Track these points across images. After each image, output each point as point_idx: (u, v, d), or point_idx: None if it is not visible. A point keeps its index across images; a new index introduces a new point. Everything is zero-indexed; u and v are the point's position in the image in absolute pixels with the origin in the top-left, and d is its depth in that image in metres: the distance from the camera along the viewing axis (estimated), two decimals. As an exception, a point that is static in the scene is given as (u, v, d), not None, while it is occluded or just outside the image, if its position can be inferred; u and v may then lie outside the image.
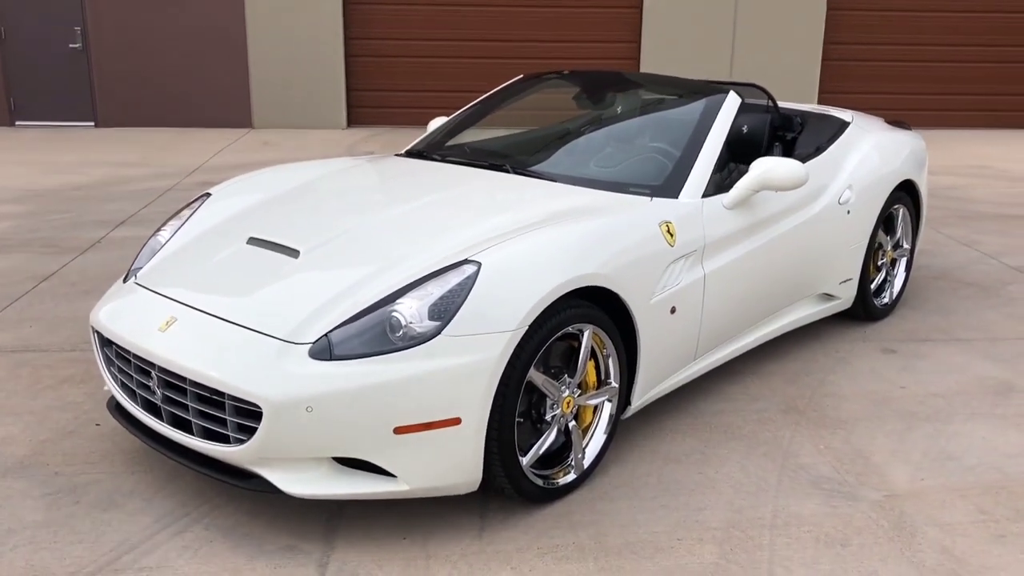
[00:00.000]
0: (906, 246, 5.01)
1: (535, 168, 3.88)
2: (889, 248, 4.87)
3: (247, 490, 2.86)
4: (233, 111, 11.22)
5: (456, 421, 2.70)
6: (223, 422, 2.77)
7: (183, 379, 2.82)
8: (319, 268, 3.05)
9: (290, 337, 2.75)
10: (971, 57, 11.82)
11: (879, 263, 4.82)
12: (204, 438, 2.83)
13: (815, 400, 3.91)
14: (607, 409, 3.22)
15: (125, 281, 3.40)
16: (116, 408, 3.22)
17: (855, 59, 11.70)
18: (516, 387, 2.81)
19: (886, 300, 4.89)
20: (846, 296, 4.55)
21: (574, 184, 3.66)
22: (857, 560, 2.80)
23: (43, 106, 11.18)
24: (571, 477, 3.10)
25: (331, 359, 2.68)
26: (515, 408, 2.82)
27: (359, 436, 2.67)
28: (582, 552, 2.82)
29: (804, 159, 4.21)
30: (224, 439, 2.78)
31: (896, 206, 4.79)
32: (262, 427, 2.64)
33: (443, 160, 4.13)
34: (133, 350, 2.96)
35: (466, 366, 2.69)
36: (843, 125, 4.71)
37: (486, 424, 2.75)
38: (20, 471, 3.24)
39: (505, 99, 4.66)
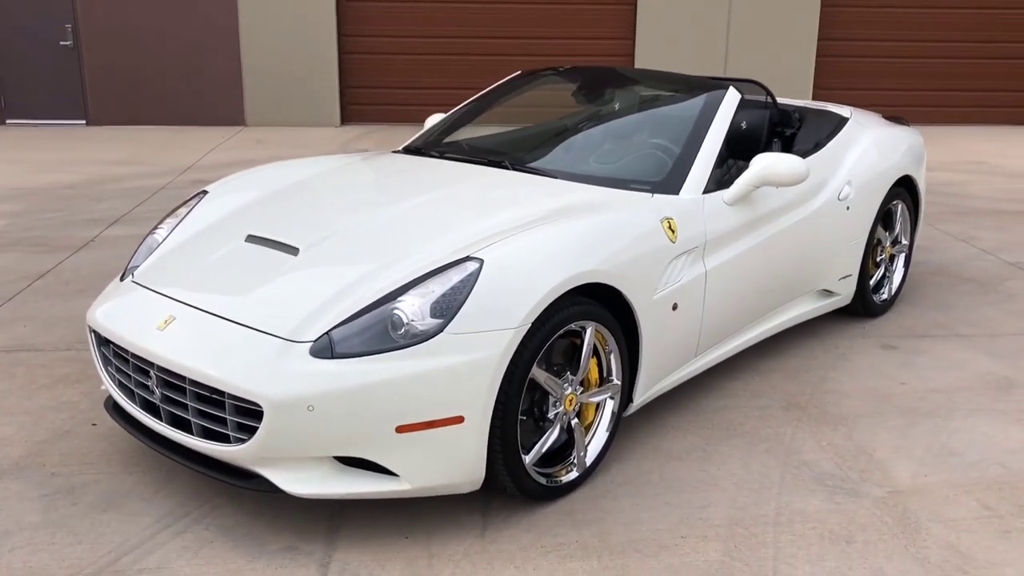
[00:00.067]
0: (905, 242, 5.00)
1: (535, 165, 3.85)
2: (888, 244, 4.86)
3: (248, 490, 2.83)
4: (226, 109, 11.17)
5: (459, 419, 2.68)
6: (223, 421, 2.74)
7: (182, 378, 2.79)
8: (319, 266, 3.03)
9: (291, 335, 2.73)
10: (966, 53, 11.84)
11: (878, 259, 4.81)
12: (204, 438, 2.80)
13: (816, 396, 3.90)
14: (609, 406, 3.20)
15: (122, 280, 3.37)
16: (114, 408, 3.18)
17: (849, 55, 11.70)
18: (519, 385, 2.78)
19: (885, 296, 4.89)
20: (845, 292, 4.54)
21: (574, 180, 3.64)
22: (862, 557, 2.79)
23: (34, 104, 11.11)
24: (573, 475, 3.08)
25: (332, 357, 2.65)
26: (518, 406, 2.80)
27: (361, 435, 2.64)
28: (586, 550, 2.80)
29: (803, 155, 4.20)
30: (224, 438, 2.75)
31: (895, 202, 4.78)
32: (263, 426, 2.62)
33: (441, 157, 4.10)
34: (131, 349, 2.93)
35: (469, 364, 2.66)
36: (842, 121, 4.70)
37: (489, 422, 2.73)
38: (16, 472, 3.20)
39: (503, 96, 4.64)
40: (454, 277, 2.77)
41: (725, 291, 3.60)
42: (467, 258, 2.82)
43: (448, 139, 4.41)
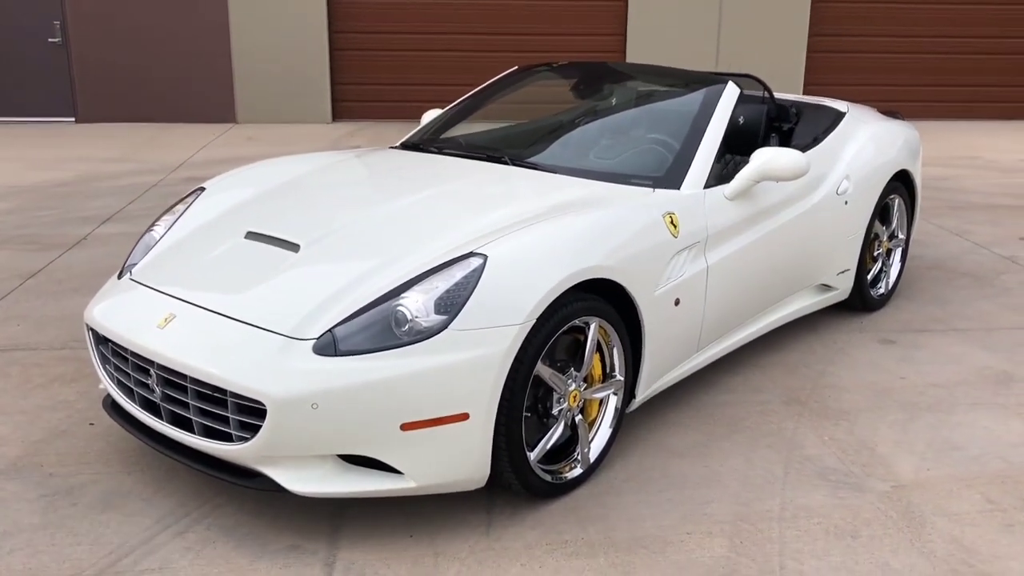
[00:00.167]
0: (901, 236, 5.00)
1: (535, 160, 3.84)
2: (885, 238, 4.86)
3: (250, 489, 2.80)
4: (216, 106, 11.10)
5: (464, 417, 2.66)
6: (225, 420, 2.71)
7: (184, 377, 2.76)
8: (320, 262, 3.00)
9: (293, 333, 2.70)
10: (959, 48, 11.86)
11: (875, 253, 4.81)
12: (206, 436, 2.77)
13: (816, 391, 3.90)
14: (612, 402, 3.19)
15: (120, 277, 3.33)
16: (112, 407, 3.15)
17: (840, 51, 11.71)
18: (524, 381, 2.77)
19: (882, 291, 4.89)
20: (843, 287, 4.53)
21: (574, 176, 3.62)
22: (868, 551, 2.78)
23: (22, 101, 11.01)
24: (577, 472, 3.07)
25: (336, 355, 2.63)
26: (523, 403, 2.78)
27: (365, 433, 2.62)
28: (591, 547, 2.78)
29: (801, 150, 4.19)
30: (226, 437, 2.73)
31: (892, 196, 4.79)
32: (266, 425, 2.59)
33: (440, 152, 4.08)
34: (131, 348, 2.90)
35: (474, 361, 2.65)
36: (839, 115, 4.70)
37: (494, 419, 2.71)
38: (13, 473, 3.17)
39: (500, 91, 4.61)
40: (458, 273, 2.75)
41: (726, 286, 3.59)
42: (471, 254, 2.80)
43: (446, 135, 4.39)
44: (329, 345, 2.65)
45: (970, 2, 11.73)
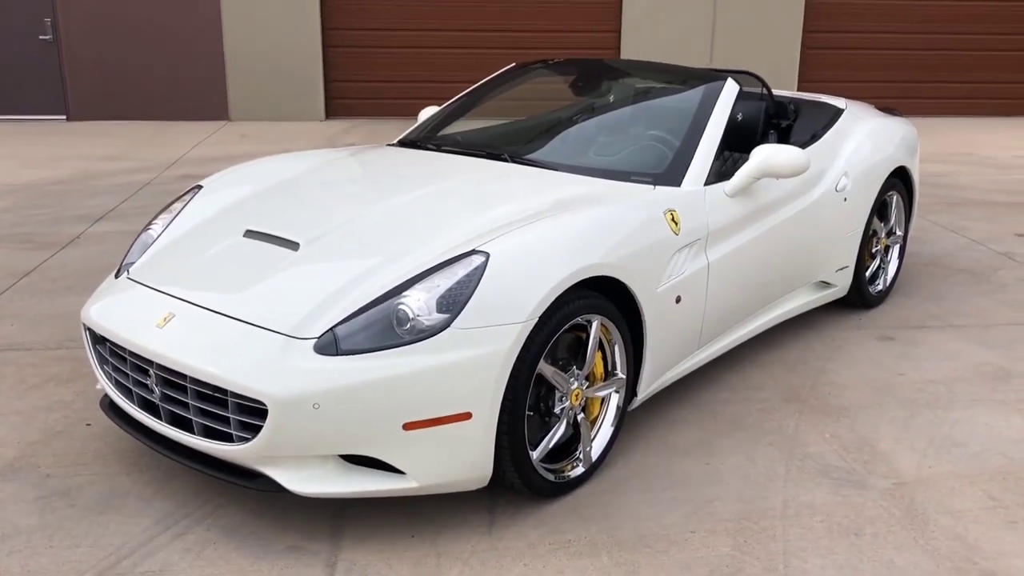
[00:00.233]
0: (899, 233, 5.00)
1: (534, 157, 3.82)
2: (883, 235, 4.86)
3: (251, 489, 2.78)
4: (209, 103, 11.04)
5: (467, 416, 2.64)
6: (226, 420, 2.69)
7: (183, 377, 2.73)
8: (320, 261, 2.98)
9: (294, 332, 2.68)
10: (954, 45, 11.87)
11: (873, 250, 4.81)
12: (206, 437, 2.75)
13: (816, 388, 3.89)
14: (614, 401, 3.17)
15: (117, 276, 3.30)
16: (110, 407, 3.12)
17: (834, 47, 11.71)
18: (526, 380, 2.75)
19: (880, 287, 4.89)
20: (842, 284, 4.53)
21: (574, 173, 3.60)
22: (872, 549, 2.77)
23: (13, 99, 10.93)
24: (579, 470, 3.05)
25: (337, 354, 2.61)
26: (526, 401, 2.77)
27: (367, 433, 2.60)
28: (595, 547, 2.77)
29: (801, 146, 4.17)
30: (227, 437, 2.70)
31: (890, 193, 4.78)
32: (267, 425, 2.57)
33: (439, 150, 4.05)
34: (130, 347, 2.87)
35: (476, 359, 2.63)
36: (837, 112, 4.69)
37: (497, 418, 2.69)
38: (10, 474, 3.14)
39: (497, 88, 4.59)
40: (460, 271, 2.73)
41: (727, 283, 3.58)
42: (472, 252, 2.78)
43: (443, 132, 4.36)
44: (330, 344, 2.63)
45: (964, -1, 11.76)
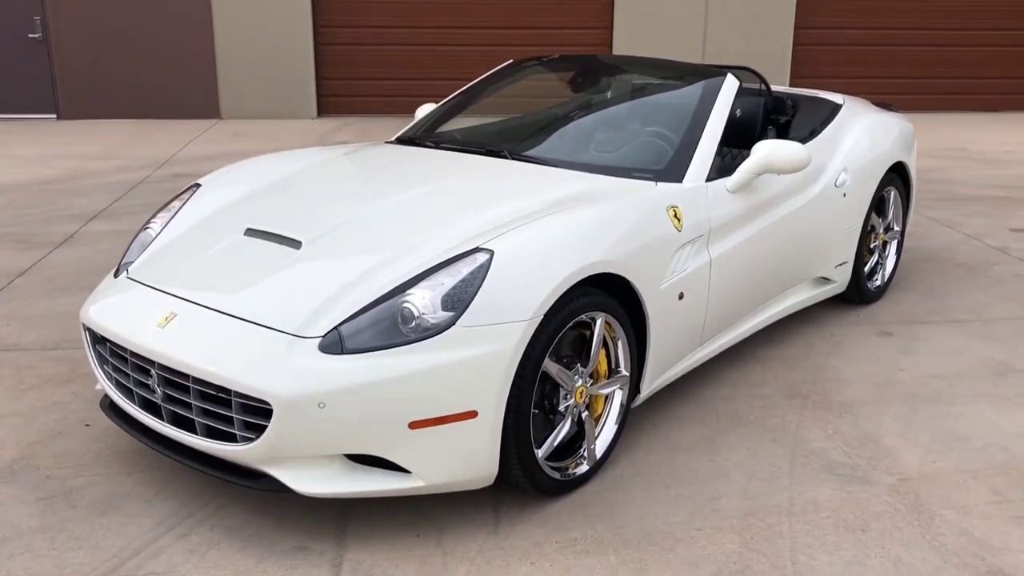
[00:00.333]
0: (897, 228, 5.00)
1: (534, 154, 3.80)
2: (881, 230, 4.86)
3: (255, 490, 2.76)
4: (200, 101, 10.99)
5: (472, 414, 2.63)
6: (229, 420, 2.67)
7: (186, 377, 2.71)
8: (323, 259, 2.95)
9: (298, 331, 2.66)
10: (945, 40, 11.90)
11: (871, 246, 4.81)
12: (209, 437, 2.73)
13: (818, 384, 3.89)
14: (618, 398, 3.16)
15: (116, 276, 3.27)
16: (110, 407, 3.10)
17: (827, 43, 11.73)
18: (532, 378, 2.73)
19: (878, 283, 4.89)
20: (841, 279, 4.53)
21: (575, 169, 3.58)
22: (879, 545, 2.77)
23: (2, 98, 10.85)
24: (584, 468, 3.04)
25: (342, 353, 2.59)
26: (531, 399, 2.75)
27: (373, 432, 2.58)
28: (601, 545, 2.76)
29: (800, 142, 4.17)
30: (230, 438, 2.68)
31: (888, 188, 4.78)
32: (272, 425, 2.55)
33: (438, 147, 4.03)
34: (131, 347, 2.84)
35: (482, 357, 2.61)
36: (835, 108, 4.69)
37: (503, 416, 2.67)
38: (10, 476, 3.11)
39: (495, 85, 4.57)
40: (464, 269, 2.71)
41: (729, 280, 3.57)
42: (476, 249, 2.76)
43: (442, 129, 4.34)
44: (335, 343, 2.61)
45: (956, -6, 11.78)
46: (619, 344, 3.10)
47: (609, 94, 4.47)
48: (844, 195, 4.33)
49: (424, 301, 2.65)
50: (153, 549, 2.72)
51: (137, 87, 10.87)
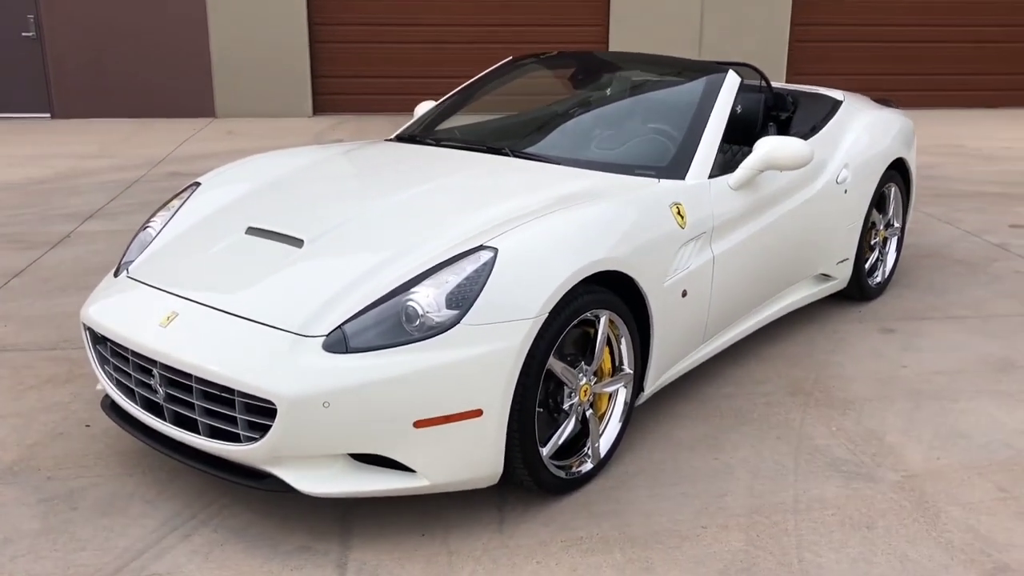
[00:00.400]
0: (897, 225, 5.00)
1: (536, 151, 3.78)
2: (882, 227, 4.86)
3: (259, 490, 2.74)
4: (195, 100, 10.95)
5: (477, 413, 2.61)
6: (232, 420, 2.65)
7: (188, 376, 2.69)
8: (326, 257, 2.94)
9: (302, 330, 2.64)
10: (941, 37, 11.92)
11: (872, 242, 4.80)
12: (212, 437, 2.71)
13: (820, 381, 3.88)
14: (622, 396, 3.15)
15: (116, 275, 3.25)
16: (111, 408, 3.07)
17: (823, 40, 11.73)
18: (536, 376, 2.72)
19: (879, 279, 4.88)
20: (842, 276, 4.52)
21: (577, 167, 3.57)
22: (885, 542, 2.76)
23: (-4, 97, 10.83)
24: (588, 466, 3.03)
25: (347, 352, 2.57)
26: (536, 398, 2.74)
27: (378, 431, 2.56)
28: (607, 544, 2.75)
29: (802, 139, 4.16)
30: (234, 438, 2.66)
31: (888, 185, 4.78)
32: (276, 424, 2.53)
33: (438, 145, 4.01)
34: (132, 347, 2.82)
35: (487, 356, 2.60)
36: (836, 104, 4.68)
37: (507, 415, 2.66)
38: (11, 477, 3.09)
39: (495, 82, 4.55)
40: (468, 267, 2.69)
41: (731, 277, 3.56)
42: (480, 247, 2.74)
43: (442, 127, 4.32)
44: (339, 342, 2.59)
45: (949, -9, 11.79)
46: (623, 342, 3.09)
47: (610, 91, 4.45)
48: (845, 192, 4.33)
49: (428, 299, 2.64)
50: (156, 550, 2.70)
51: (132, 86, 10.83)
